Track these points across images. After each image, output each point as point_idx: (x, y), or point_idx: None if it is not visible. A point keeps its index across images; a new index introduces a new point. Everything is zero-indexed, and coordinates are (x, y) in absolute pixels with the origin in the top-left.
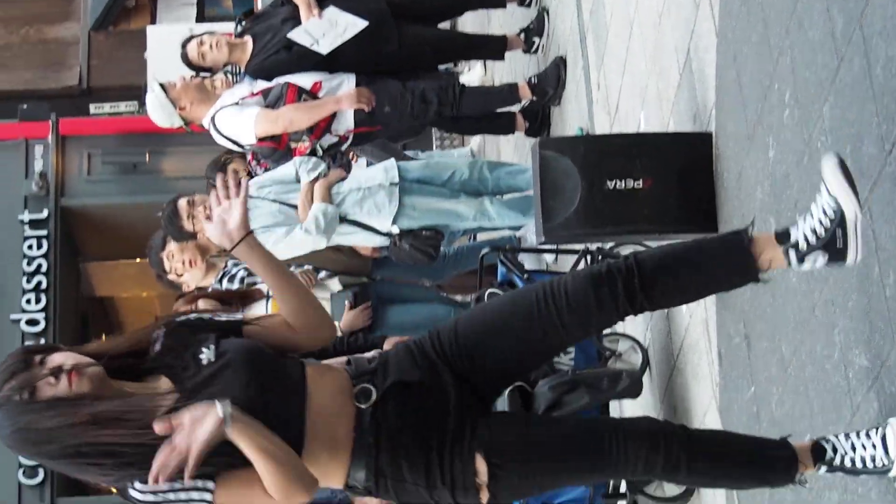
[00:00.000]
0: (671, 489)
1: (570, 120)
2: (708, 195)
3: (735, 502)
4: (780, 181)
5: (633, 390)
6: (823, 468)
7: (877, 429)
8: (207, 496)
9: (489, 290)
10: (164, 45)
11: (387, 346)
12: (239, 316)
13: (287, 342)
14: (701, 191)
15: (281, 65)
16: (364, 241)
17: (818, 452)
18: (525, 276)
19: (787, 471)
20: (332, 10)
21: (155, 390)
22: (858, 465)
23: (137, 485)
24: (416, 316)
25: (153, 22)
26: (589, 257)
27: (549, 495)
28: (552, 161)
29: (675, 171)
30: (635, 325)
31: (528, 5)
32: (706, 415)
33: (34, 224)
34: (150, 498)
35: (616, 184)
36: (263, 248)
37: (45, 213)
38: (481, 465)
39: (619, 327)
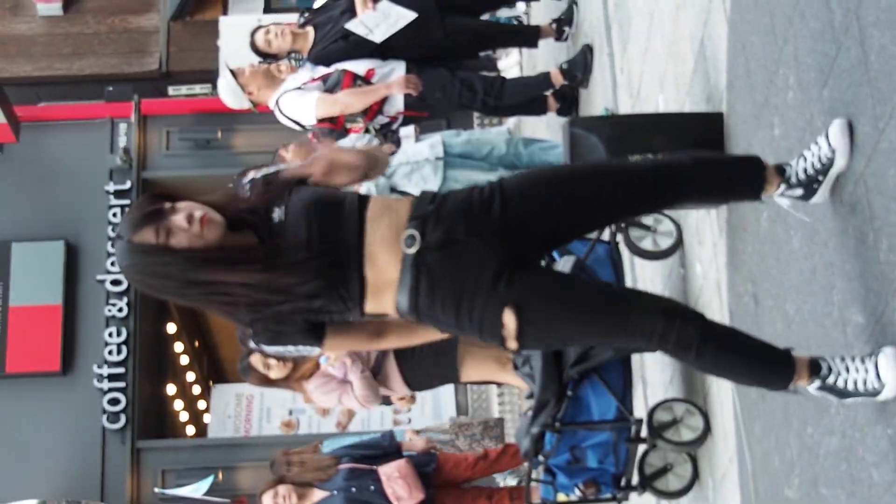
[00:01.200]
0: (687, 434)
1: (596, 101)
2: None
3: (744, 444)
4: (784, 156)
5: None
6: (816, 382)
7: (871, 355)
8: (316, 350)
9: None
10: (235, 34)
11: None
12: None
13: (350, 181)
14: None
15: (339, 52)
16: None
17: (814, 367)
18: None
19: (785, 375)
20: (384, 3)
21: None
22: (850, 386)
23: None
24: None
25: (225, 13)
26: (614, 225)
27: (578, 439)
28: (581, 138)
29: (691, 148)
30: (655, 286)
31: (565, 38)
32: None
33: (118, 194)
34: (273, 349)
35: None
36: None
37: (128, 185)
38: (510, 318)
39: (641, 287)
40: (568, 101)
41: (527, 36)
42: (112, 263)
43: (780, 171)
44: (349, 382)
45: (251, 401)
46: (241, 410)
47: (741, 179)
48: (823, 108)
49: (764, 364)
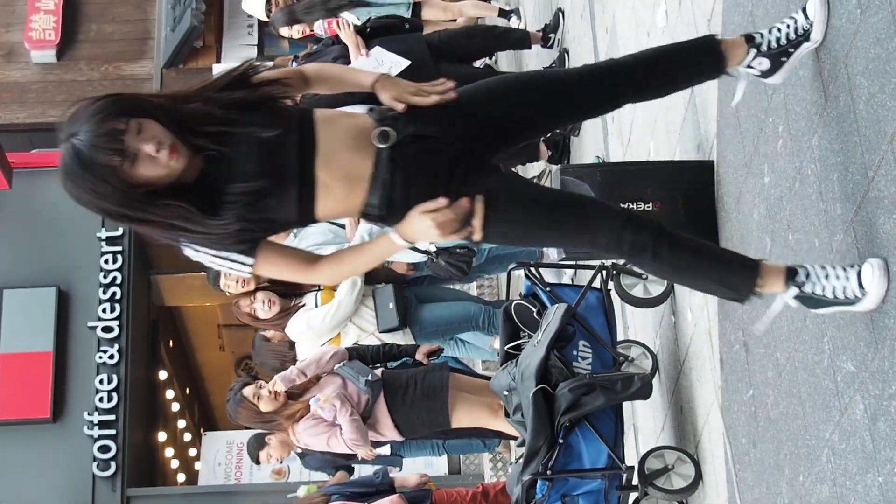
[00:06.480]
0: (678, 482)
1: (587, 149)
2: (710, 217)
3: (735, 492)
4: (775, 204)
5: (644, 392)
6: (793, 289)
7: (853, 265)
8: (247, 268)
9: (515, 301)
10: None
11: (418, 355)
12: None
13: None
14: (704, 213)
15: (331, 99)
16: (405, 258)
17: (791, 273)
18: (547, 288)
19: (748, 276)
20: (377, 50)
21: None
22: (829, 294)
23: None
24: (450, 313)
25: (218, 60)
26: (605, 272)
27: (569, 487)
28: (572, 186)
29: (681, 195)
30: (646, 334)
31: (551, 47)
32: (709, 414)
33: (110, 240)
34: (200, 257)
35: (629, 206)
36: None
37: (119, 231)
38: (479, 206)
39: (632, 335)
40: (559, 149)
41: None
42: (104, 310)
43: (750, 39)
44: (338, 426)
45: (242, 448)
46: (231, 458)
47: (695, 67)
48: (813, 156)
49: (725, 265)
